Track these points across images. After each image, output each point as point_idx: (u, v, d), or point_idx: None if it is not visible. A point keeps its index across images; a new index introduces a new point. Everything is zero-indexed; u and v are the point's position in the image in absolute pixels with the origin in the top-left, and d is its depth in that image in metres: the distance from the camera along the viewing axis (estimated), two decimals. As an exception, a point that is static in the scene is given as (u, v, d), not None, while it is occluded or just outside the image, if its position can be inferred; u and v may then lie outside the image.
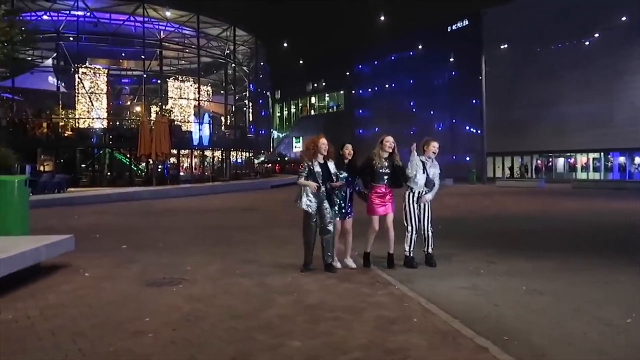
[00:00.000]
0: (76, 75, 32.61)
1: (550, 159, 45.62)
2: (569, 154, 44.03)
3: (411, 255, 6.90)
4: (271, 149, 64.58)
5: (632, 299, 5.32)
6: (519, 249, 8.45)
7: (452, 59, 48.69)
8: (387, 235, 6.76)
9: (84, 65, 33.61)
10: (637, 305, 5.04)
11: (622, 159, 40.85)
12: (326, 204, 6.36)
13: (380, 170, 6.66)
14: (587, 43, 39.75)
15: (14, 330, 4.28)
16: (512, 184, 34.69)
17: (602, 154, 41.63)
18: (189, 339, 3.99)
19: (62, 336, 4.07)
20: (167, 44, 36.69)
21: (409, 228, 6.89)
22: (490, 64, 40.10)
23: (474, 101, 44.25)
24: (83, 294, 5.47)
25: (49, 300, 5.21)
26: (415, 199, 6.87)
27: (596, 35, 38.99)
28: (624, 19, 36.96)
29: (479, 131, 42.18)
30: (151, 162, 30.45)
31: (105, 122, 33.59)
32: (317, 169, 6.33)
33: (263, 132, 52.00)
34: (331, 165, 6.41)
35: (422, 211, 6.92)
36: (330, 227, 6.39)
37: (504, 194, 25.52)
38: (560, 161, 45.17)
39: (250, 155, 46.52)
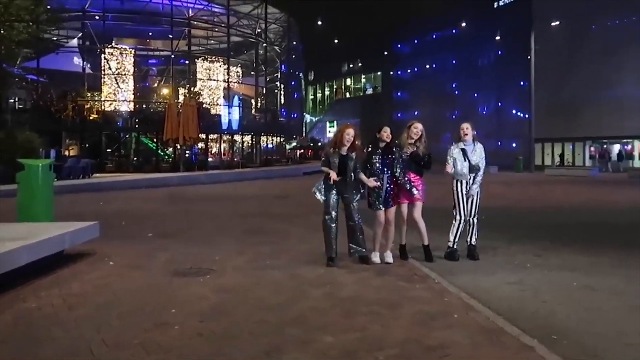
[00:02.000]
0: (102, 56, 33.20)
1: (605, 146, 44.22)
2: (625, 140, 42.56)
3: (455, 247, 6.81)
4: (304, 134, 64.59)
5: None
6: (570, 242, 8.22)
7: (498, 37, 47.41)
8: (417, 227, 6.67)
9: (110, 45, 34.21)
10: None
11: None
12: (349, 194, 6.38)
13: (407, 157, 6.56)
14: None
15: (39, 319, 4.40)
16: (562, 173, 33.84)
17: (663, 140, 40.17)
18: (217, 332, 4.02)
19: (86, 326, 4.16)
20: (195, 22, 36.91)
21: (457, 217, 6.82)
22: (540, 42, 38.88)
23: (521, 83, 43.11)
24: (108, 282, 5.58)
25: (73, 288, 5.33)
26: (463, 187, 6.79)
27: (657, 10, 37.37)
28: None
29: (526, 115, 41.14)
30: (178, 147, 30.85)
31: (131, 105, 34.10)
32: (335, 159, 6.33)
33: (295, 115, 51.98)
34: (352, 159, 6.34)
35: (470, 201, 6.83)
36: (356, 216, 6.41)
37: (553, 183, 24.93)
38: (616, 148, 43.76)
39: (282, 140, 46.62)
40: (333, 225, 6.38)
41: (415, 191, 6.48)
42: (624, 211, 13.15)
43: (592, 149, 44.78)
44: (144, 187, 20.31)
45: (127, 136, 34.23)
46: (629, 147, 42.64)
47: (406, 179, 6.44)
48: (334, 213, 6.38)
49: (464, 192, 6.78)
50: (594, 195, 17.68)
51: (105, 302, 4.84)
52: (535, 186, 22.53)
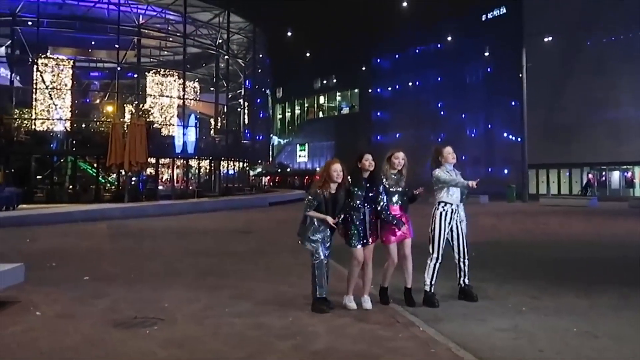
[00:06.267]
0: (35, 67, 32.68)
1: (604, 173, 45.37)
2: (625, 167, 43.80)
3: (432, 290, 6.78)
4: (270, 159, 64.64)
5: None
6: (569, 281, 8.33)
7: (487, 53, 48.75)
8: (404, 265, 6.68)
9: (45, 55, 33.71)
10: None
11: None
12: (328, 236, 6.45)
13: (391, 189, 6.58)
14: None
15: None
16: (558, 202, 34.48)
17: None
18: (164, 394, 3.90)
19: (8, 388, 3.99)
20: (146, 30, 36.82)
21: (434, 254, 6.80)
22: (532, 59, 39.96)
23: (512, 103, 44.16)
24: (34, 337, 5.39)
25: (-8, 343, 5.13)
26: (447, 219, 6.79)
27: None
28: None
29: (519, 139, 42.00)
30: (123, 173, 30.49)
31: (68, 124, 33.49)
32: (327, 200, 6.36)
33: (261, 137, 51.95)
34: (341, 196, 6.43)
35: (456, 236, 6.86)
36: (327, 256, 6.46)
37: (549, 214, 25.35)
38: (615, 175, 44.96)
39: (245, 165, 46.56)
40: (325, 263, 6.39)
41: (402, 225, 6.48)
42: (625, 245, 13.38)
43: (590, 175, 45.90)
44: (80, 221, 19.90)
45: (62, 160, 33.63)
46: (629, 174, 43.80)
47: (389, 213, 6.47)
48: (323, 254, 6.38)
49: (446, 225, 6.79)
50: (593, 228, 18.00)
51: (32, 360, 4.67)
52: (530, 217, 22.87)
